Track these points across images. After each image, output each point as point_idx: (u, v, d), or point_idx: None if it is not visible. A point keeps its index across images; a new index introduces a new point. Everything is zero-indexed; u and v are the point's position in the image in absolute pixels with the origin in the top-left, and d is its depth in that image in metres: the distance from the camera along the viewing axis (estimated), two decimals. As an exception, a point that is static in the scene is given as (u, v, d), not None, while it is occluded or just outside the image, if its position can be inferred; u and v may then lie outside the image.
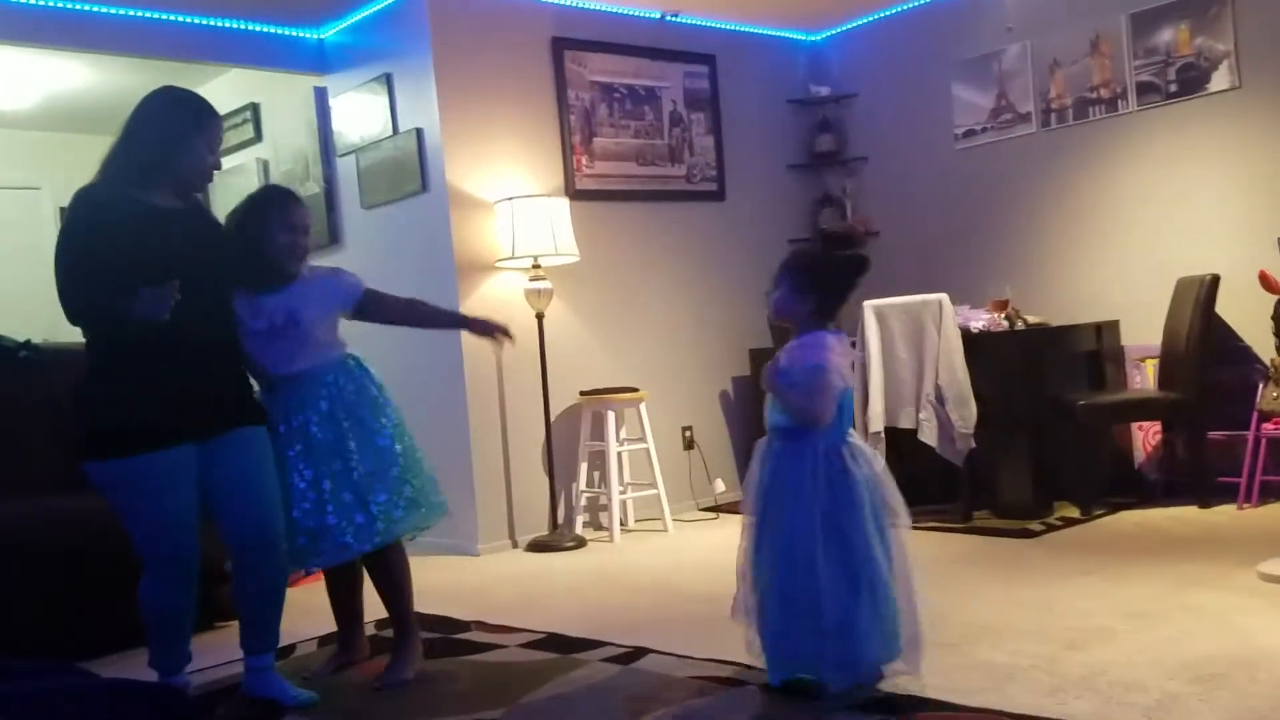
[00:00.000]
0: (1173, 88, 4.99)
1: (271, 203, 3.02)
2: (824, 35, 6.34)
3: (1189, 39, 4.92)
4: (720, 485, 5.69)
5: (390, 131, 5.19)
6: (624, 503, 5.28)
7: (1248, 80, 4.78)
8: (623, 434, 5.22)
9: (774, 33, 6.20)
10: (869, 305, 4.88)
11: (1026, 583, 3.61)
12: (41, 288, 6.90)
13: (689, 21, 5.80)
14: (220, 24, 5.18)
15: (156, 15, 4.96)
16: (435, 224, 5.02)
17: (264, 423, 2.90)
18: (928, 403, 4.70)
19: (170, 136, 2.76)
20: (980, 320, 4.91)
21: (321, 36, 5.54)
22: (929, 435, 4.70)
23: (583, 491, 5.21)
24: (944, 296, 4.74)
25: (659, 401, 5.45)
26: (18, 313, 5.92)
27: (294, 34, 5.47)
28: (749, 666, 2.78)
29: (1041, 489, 4.73)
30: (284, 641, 3.08)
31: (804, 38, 6.34)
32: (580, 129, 5.40)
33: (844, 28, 6.25)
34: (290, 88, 5.70)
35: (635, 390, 5.18)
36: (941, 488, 4.93)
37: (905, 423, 4.78)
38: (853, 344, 4.94)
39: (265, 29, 5.34)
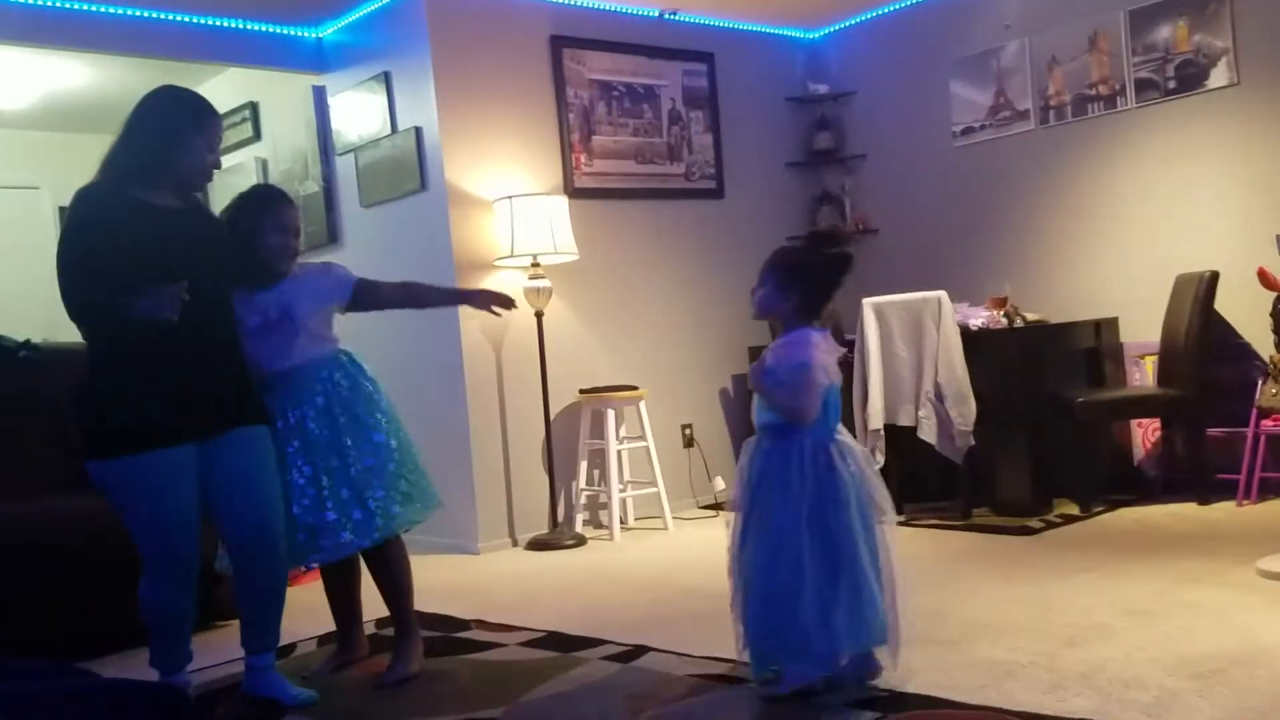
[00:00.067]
0: (1171, 84, 4.99)
1: (263, 203, 3.02)
2: (822, 33, 6.34)
3: (1187, 36, 4.92)
4: (720, 483, 5.69)
5: (389, 130, 5.19)
6: (624, 501, 5.28)
7: (1246, 77, 4.78)
8: (622, 432, 5.23)
9: (772, 30, 6.20)
10: (868, 303, 4.89)
11: (1026, 580, 3.61)
12: (41, 287, 6.90)
13: (687, 19, 5.80)
14: (219, 23, 5.18)
15: (155, 14, 4.96)
16: (434, 222, 5.02)
17: (265, 421, 2.90)
18: (927, 400, 4.70)
19: (170, 136, 2.76)
20: (979, 318, 4.91)
21: (320, 35, 5.54)
22: (928, 433, 4.71)
23: (583, 490, 5.21)
24: (943, 294, 4.75)
25: (658, 399, 5.45)
26: (17, 312, 5.92)
27: (292, 33, 5.47)
28: (750, 664, 2.78)
29: (1041, 486, 4.73)
30: (284, 640, 3.08)
31: (802, 35, 6.34)
32: (579, 127, 5.40)
33: (842, 25, 6.25)
34: (289, 87, 5.70)
35: (635, 388, 5.18)
36: (941, 485, 4.94)
37: (905, 420, 4.79)
38: (851, 342, 4.95)
39: (264, 28, 5.34)
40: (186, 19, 5.06)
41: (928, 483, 5.03)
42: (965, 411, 4.63)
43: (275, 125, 5.97)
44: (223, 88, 5.93)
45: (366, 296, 3.17)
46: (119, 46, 4.98)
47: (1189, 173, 4.97)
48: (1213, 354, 4.70)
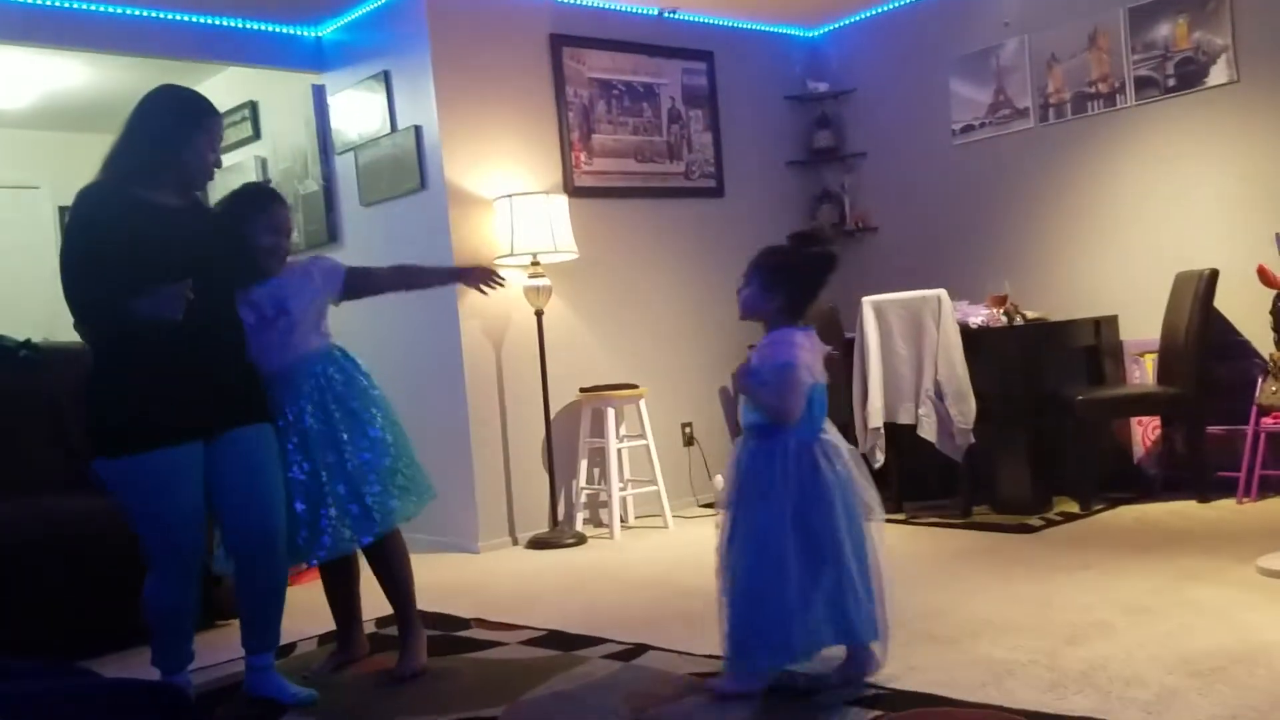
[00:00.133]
0: (1171, 82, 4.99)
1: (255, 204, 3.02)
2: (822, 31, 6.34)
3: (1187, 33, 4.92)
4: (720, 481, 5.66)
5: (389, 129, 5.19)
6: (624, 499, 5.28)
7: (1246, 74, 4.78)
8: (622, 430, 5.23)
9: (772, 29, 6.20)
10: (868, 301, 4.89)
11: (1026, 578, 3.61)
12: (41, 287, 6.92)
13: (687, 18, 5.79)
14: (218, 22, 5.18)
15: (154, 14, 4.95)
16: (434, 221, 5.01)
17: (270, 419, 2.91)
18: (927, 398, 4.70)
19: (171, 135, 2.76)
20: (979, 316, 4.91)
21: (319, 34, 5.54)
22: (928, 431, 4.71)
23: (583, 488, 5.21)
24: (943, 292, 4.75)
25: (659, 398, 5.45)
26: (17, 312, 5.93)
27: (292, 32, 5.46)
28: (774, 667, 2.76)
29: (1041, 484, 4.73)
30: (284, 640, 3.08)
31: (802, 33, 6.34)
32: (579, 126, 5.40)
33: (842, 23, 6.24)
34: (288, 86, 5.70)
35: (635, 387, 5.18)
36: (941, 483, 4.94)
37: (904, 418, 4.79)
38: (851, 340, 4.95)
39: (263, 27, 5.34)
40: (186, 18, 5.06)
41: (928, 481, 5.04)
42: (965, 409, 4.63)
43: (275, 124, 5.96)
44: (222, 87, 5.93)
45: (359, 284, 3.18)
46: (118, 46, 4.98)
47: (1189, 170, 4.97)
48: (1212, 352, 4.70)
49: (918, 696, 2.54)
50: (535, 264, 4.94)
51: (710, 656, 2.95)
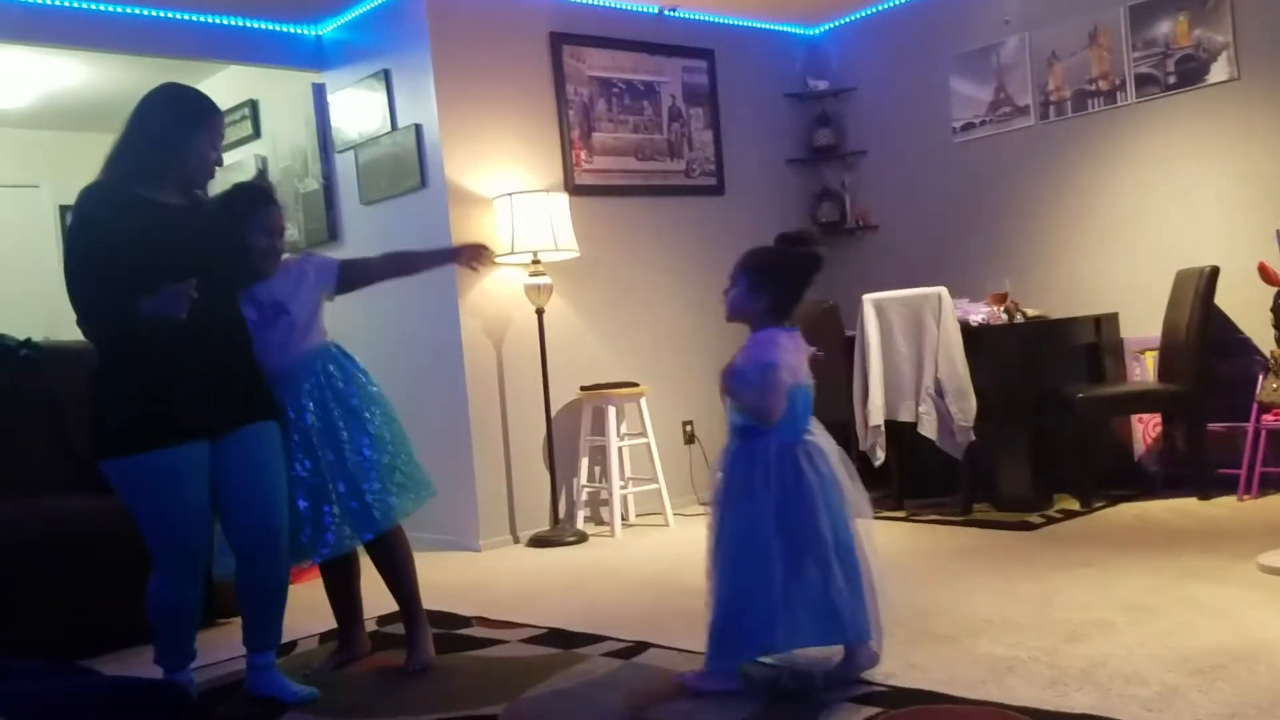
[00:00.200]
0: (1171, 79, 4.98)
1: (249, 205, 3.01)
2: (822, 29, 6.33)
3: (1188, 30, 4.92)
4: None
5: (389, 127, 5.19)
6: (625, 498, 5.28)
7: (1246, 72, 4.77)
8: (623, 429, 5.23)
9: (772, 27, 6.20)
10: (868, 299, 4.89)
11: (1026, 575, 3.61)
12: (41, 286, 6.93)
13: (687, 16, 5.79)
14: (218, 21, 5.18)
15: (154, 13, 4.95)
16: (434, 220, 5.01)
17: (276, 417, 2.91)
18: (927, 396, 4.70)
19: (172, 133, 2.76)
20: (979, 313, 4.91)
21: (319, 33, 5.54)
22: (929, 428, 4.71)
23: (584, 486, 5.22)
24: (943, 290, 4.75)
25: (659, 396, 5.45)
26: (18, 311, 5.93)
27: (292, 30, 5.46)
28: (751, 660, 2.78)
29: (1041, 481, 4.73)
30: (286, 638, 3.09)
31: (802, 31, 6.34)
32: (579, 124, 5.40)
33: (842, 21, 6.24)
34: (288, 84, 5.70)
35: (635, 385, 5.18)
36: (941, 481, 4.94)
37: (905, 416, 4.79)
38: (851, 338, 4.95)
39: (263, 26, 5.34)
40: (186, 17, 5.06)
41: (928, 478, 5.04)
42: (965, 407, 4.63)
43: (275, 123, 5.96)
44: (222, 85, 5.93)
45: (353, 276, 3.19)
46: (118, 45, 4.98)
47: (1189, 168, 4.96)
48: (1213, 349, 4.70)
49: (918, 694, 2.54)
50: (536, 262, 4.94)
51: (711, 654, 2.96)
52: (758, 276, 2.72)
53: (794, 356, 2.68)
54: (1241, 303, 4.70)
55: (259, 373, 2.91)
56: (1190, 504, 4.55)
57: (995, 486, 4.81)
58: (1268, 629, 2.82)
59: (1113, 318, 5.18)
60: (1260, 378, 4.45)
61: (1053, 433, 4.77)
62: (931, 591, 3.50)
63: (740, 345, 2.75)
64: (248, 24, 5.28)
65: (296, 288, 3.04)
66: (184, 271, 2.59)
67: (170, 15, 5.01)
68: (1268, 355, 4.46)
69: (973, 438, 4.64)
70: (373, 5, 5.21)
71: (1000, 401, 4.71)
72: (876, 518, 4.79)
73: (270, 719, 2.79)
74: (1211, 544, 3.82)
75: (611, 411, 5.06)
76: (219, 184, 3.02)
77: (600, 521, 5.33)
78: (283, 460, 2.89)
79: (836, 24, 6.27)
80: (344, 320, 3.24)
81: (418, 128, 5.05)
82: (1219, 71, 4.84)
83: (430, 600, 3.23)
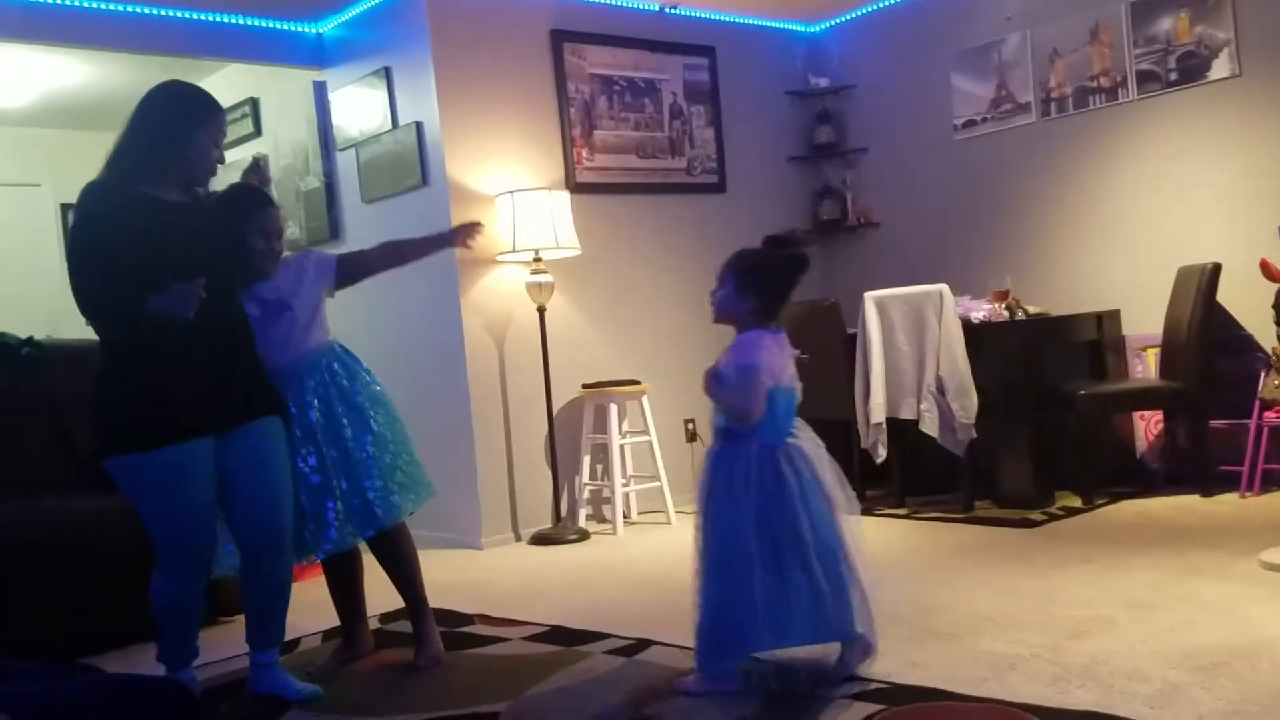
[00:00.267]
0: (1173, 76, 4.98)
1: (247, 207, 3.01)
2: (823, 26, 6.33)
3: (1189, 27, 4.91)
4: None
5: (390, 125, 5.19)
6: (627, 495, 5.28)
7: (1248, 68, 4.77)
8: (625, 426, 5.23)
9: (773, 24, 6.19)
10: (870, 296, 4.89)
11: (1028, 572, 3.61)
12: (43, 284, 6.93)
13: (688, 13, 5.79)
14: (219, 19, 5.17)
15: (155, 11, 4.95)
16: (436, 218, 5.01)
17: (280, 412, 2.91)
18: (929, 393, 4.70)
19: (174, 130, 2.77)
20: (981, 311, 4.91)
21: (320, 31, 5.53)
22: (930, 426, 4.71)
23: (585, 484, 5.22)
24: (944, 287, 4.75)
25: (661, 394, 5.45)
26: (20, 309, 5.93)
27: (292, 28, 5.46)
28: (753, 658, 2.78)
29: (1043, 479, 4.73)
30: (288, 636, 3.09)
31: (803, 29, 6.33)
32: (580, 122, 5.40)
33: (843, 19, 6.24)
34: (289, 82, 5.70)
35: (637, 383, 5.18)
36: (943, 478, 4.94)
37: (906, 413, 4.79)
38: (853, 335, 4.95)
39: (264, 24, 5.34)
40: (187, 15, 5.05)
41: (930, 476, 5.04)
42: (967, 404, 4.63)
43: (276, 121, 5.96)
44: (223, 84, 5.92)
45: (352, 269, 3.20)
46: (119, 43, 4.98)
47: (1191, 165, 4.96)
48: (1215, 346, 4.70)
49: (919, 691, 2.55)
50: (537, 260, 4.94)
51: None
52: (745, 278, 2.73)
53: (777, 359, 2.69)
54: (1243, 299, 4.69)
55: (262, 369, 2.92)
56: (1192, 501, 4.55)
57: (997, 484, 4.81)
58: (1270, 626, 2.82)
59: (1114, 315, 5.18)
60: (1262, 374, 4.45)
61: (1054, 430, 4.77)
62: (933, 589, 3.51)
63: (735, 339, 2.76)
64: (248, 22, 5.28)
65: (298, 284, 3.05)
66: (185, 268, 2.60)
67: (171, 13, 5.00)
68: (1270, 352, 4.45)
69: (974, 435, 4.65)
70: (373, 3, 5.21)
71: (1002, 399, 4.71)
72: (878, 515, 4.84)
73: (273, 717, 2.79)
74: (1213, 541, 3.82)
75: (613, 409, 5.06)
76: (221, 181, 3.02)
77: (602, 519, 5.33)
78: (287, 456, 2.90)
79: (837, 21, 6.26)
80: (346, 320, 3.25)
81: (419, 125, 5.04)
82: (1220, 68, 4.83)
83: (432, 598, 3.24)
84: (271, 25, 5.37)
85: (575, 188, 5.29)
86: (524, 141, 5.22)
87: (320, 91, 5.59)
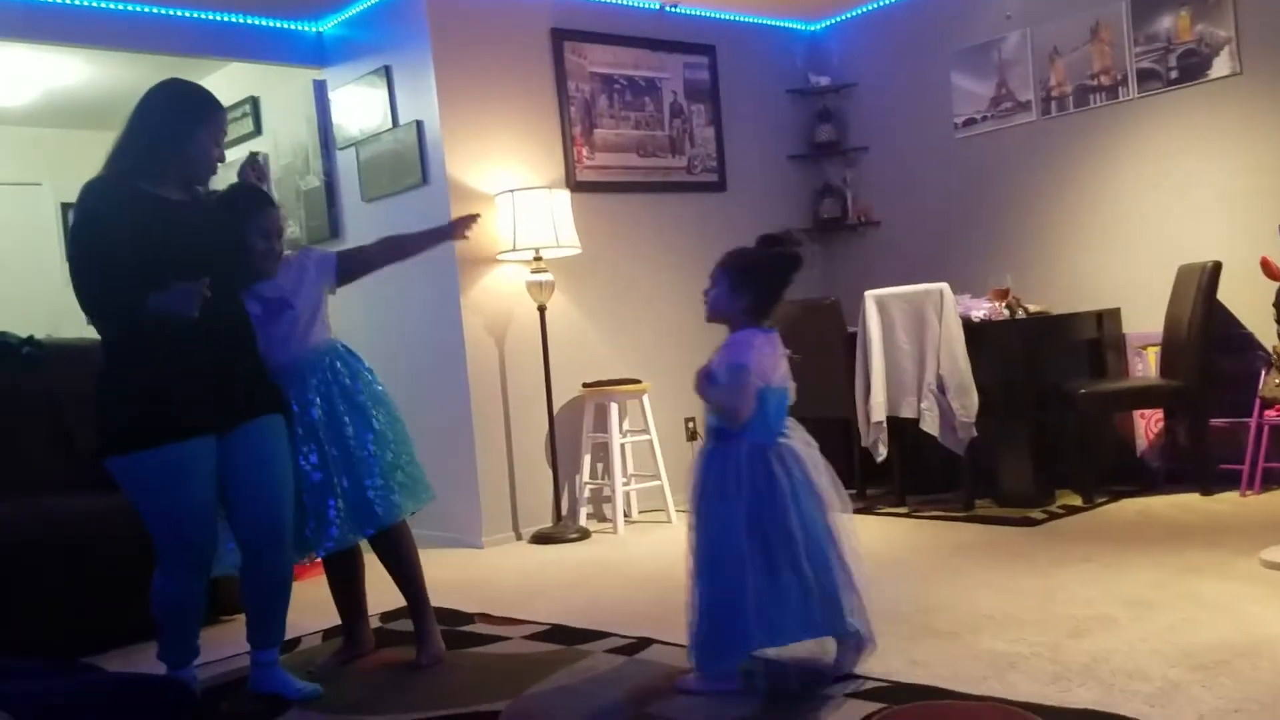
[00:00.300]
0: (1173, 74, 4.98)
1: (247, 207, 3.01)
2: (823, 25, 6.33)
3: (1190, 25, 4.91)
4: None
5: (390, 124, 5.19)
6: (627, 494, 5.28)
7: (1249, 66, 4.77)
8: (626, 425, 5.23)
9: (773, 22, 6.19)
10: (870, 295, 4.89)
11: (1028, 571, 3.61)
12: (44, 284, 6.93)
13: (688, 12, 5.78)
14: (219, 18, 5.17)
15: (155, 10, 4.95)
16: (436, 216, 4.98)
17: (282, 411, 2.91)
18: (929, 392, 4.70)
19: (175, 128, 2.77)
20: (981, 309, 4.91)
21: (320, 29, 5.53)
22: (930, 424, 4.71)
23: (586, 483, 5.22)
24: (945, 286, 4.75)
25: (661, 393, 5.44)
26: (21, 309, 5.94)
27: (292, 27, 5.46)
28: (753, 656, 2.78)
29: (1043, 477, 4.73)
30: (289, 635, 3.09)
31: (803, 27, 6.33)
32: (580, 120, 5.40)
33: (843, 17, 6.23)
34: (289, 81, 5.70)
35: (638, 382, 5.18)
36: (943, 477, 4.94)
37: (907, 412, 4.79)
38: (853, 334, 4.95)
39: (264, 22, 5.34)
40: (187, 14, 5.05)
41: (930, 474, 5.04)
42: (967, 403, 4.63)
43: (276, 120, 5.96)
44: (223, 83, 5.92)
45: (352, 266, 3.20)
46: (119, 42, 4.98)
47: (1191, 163, 4.96)
48: (1215, 344, 4.70)
49: (920, 689, 2.55)
50: (538, 259, 4.94)
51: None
52: (738, 277, 2.74)
53: (769, 359, 2.69)
54: (1244, 298, 4.69)
55: (263, 368, 2.92)
56: (1192, 499, 4.55)
57: (997, 482, 4.81)
58: (1270, 624, 2.82)
59: (1115, 313, 5.18)
60: (1263, 373, 4.45)
61: (1054, 428, 4.77)
62: (933, 587, 3.51)
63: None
64: (249, 21, 5.28)
65: (298, 284, 3.05)
66: (185, 266, 2.60)
67: (171, 12, 5.00)
68: (1270, 350, 4.45)
69: (974, 434, 4.64)
70: (373, 2, 5.21)
71: (1002, 397, 4.71)
72: (878, 514, 4.84)
73: (274, 716, 2.79)
74: (1214, 539, 3.81)
75: (614, 408, 5.06)
76: (219, 179, 3.02)
77: (603, 518, 5.33)
78: (288, 455, 2.90)
79: (838, 19, 6.26)
80: (346, 319, 3.25)
81: (419, 124, 5.04)
82: (1221, 66, 4.83)
83: (433, 597, 3.24)
84: (272, 24, 5.37)
85: (575, 186, 5.29)
86: (524, 140, 5.22)
87: (320, 90, 5.59)
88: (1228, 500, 4.49)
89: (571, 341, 5.28)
